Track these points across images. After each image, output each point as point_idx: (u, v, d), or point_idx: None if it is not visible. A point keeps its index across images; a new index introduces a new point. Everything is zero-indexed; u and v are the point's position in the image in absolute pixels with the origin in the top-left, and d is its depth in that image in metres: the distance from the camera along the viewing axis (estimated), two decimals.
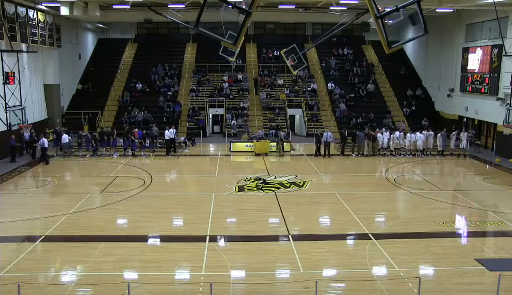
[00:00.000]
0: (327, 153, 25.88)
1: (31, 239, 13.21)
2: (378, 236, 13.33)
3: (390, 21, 24.45)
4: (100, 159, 24.85)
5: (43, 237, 13.25)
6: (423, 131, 26.43)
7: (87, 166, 23.43)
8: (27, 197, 18.00)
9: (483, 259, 11.82)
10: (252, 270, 11.22)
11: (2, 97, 20.39)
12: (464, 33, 30.30)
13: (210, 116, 34.91)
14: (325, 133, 26.30)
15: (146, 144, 26.42)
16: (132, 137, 25.93)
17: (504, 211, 16.10)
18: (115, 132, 26.48)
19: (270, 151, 26.64)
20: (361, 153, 26.21)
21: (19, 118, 21.02)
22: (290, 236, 13.45)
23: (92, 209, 15.97)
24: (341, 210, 16.10)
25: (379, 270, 11.21)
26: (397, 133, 26.43)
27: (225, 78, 36.35)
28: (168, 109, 33.02)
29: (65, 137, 24.94)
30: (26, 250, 12.27)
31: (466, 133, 26.18)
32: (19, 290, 8.68)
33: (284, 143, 26.99)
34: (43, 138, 23.34)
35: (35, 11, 26.17)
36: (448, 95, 32.22)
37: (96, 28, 39.25)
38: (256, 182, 19.97)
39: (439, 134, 26.07)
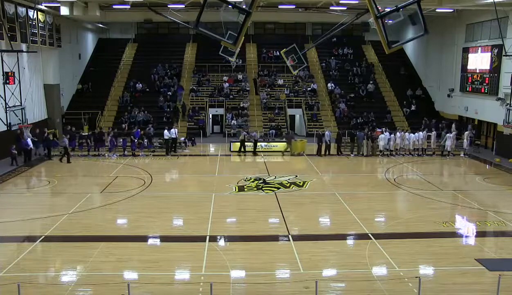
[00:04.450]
0: (327, 152, 25.92)
1: (31, 239, 13.21)
2: (378, 236, 13.33)
3: (390, 21, 24.46)
4: (100, 159, 24.86)
5: (43, 237, 13.25)
6: (420, 132, 26.46)
7: (87, 166, 23.43)
8: (27, 197, 18.00)
9: (483, 259, 11.82)
10: (252, 270, 11.22)
11: (2, 97, 20.37)
12: (464, 33, 30.30)
13: (210, 116, 34.91)
14: (326, 133, 26.42)
15: (145, 144, 26.45)
16: (131, 137, 25.96)
17: (504, 211, 16.09)
18: (113, 133, 26.55)
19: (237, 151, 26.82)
20: (360, 153, 26.22)
21: (19, 118, 20.99)
22: (290, 236, 13.45)
23: (92, 209, 15.97)
24: (341, 210, 16.10)
25: (379, 270, 11.21)
26: (397, 133, 26.45)
27: (225, 78, 36.35)
28: (168, 109, 33.03)
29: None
30: (26, 250, 12.27)
31: (454, 133, 26.29)
32: (19, 290, 8.67)
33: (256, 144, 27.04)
34: (28, 139, 23.22)
35: (35, 11, 26.15)
36: (448, 95, 32.21)
37: (96, 28, 39.24)
38: (256, 182, 19.97)
39: (449, 135, 26.03)
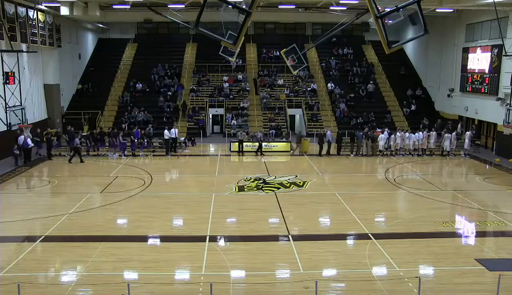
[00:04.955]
0: (328, 152, 25.96)
1: (31, 239, 13.21)
2: (378, 236, 13.33)
3: (390, 21, 24.45)
4: (100, 159, 24.86)
5: (43, 237, 13.25)
6: (420, 132, 26.46)
7: (87, 166, 23.41)
8: (27, 197, 18.02)
9: (483, 259, 11.82)
10: (252, 270, 11.22)
11: (2, 97, 20.37)
12: (464, 33, 30.30)
13: (210, 116, 34.92)
14: (328, 132, 26.47)
15: (145, 144, 26.48)
16: (131, 137, 25.97)
17: (504, 211, 16.10)
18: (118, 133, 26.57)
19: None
20: (359, 153, 26.22)
21: (19, 118, 20.98)
22: (290, 236, 13.45)
23: (92, 209, 15.97)
24: (341, 210, 16.10)
25: (379, 270, 11.21)
26: (397, 133, 26.45)
27: (225, 78, 36.36)
28: (168, 109, 33.04)
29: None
30: (26, 250, 12.27)
31: (454, 133, 26.42)
32: (19, 290, 8.68)
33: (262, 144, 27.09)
34: (28, 139, 23.18)
35: (35, 11, 26.16)
36: (448, 95, 32.22)
37: (96, 28, 39.24)
38: (256, 182, 19.97)
39: (447, 135, 26.02)
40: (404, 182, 20.41)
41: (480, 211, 16.14)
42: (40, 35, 27.15)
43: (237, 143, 26.90)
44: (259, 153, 26.51)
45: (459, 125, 29.26)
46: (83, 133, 27.33)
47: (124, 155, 25.41)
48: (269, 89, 35.85)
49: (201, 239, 13.20)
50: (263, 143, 27.18)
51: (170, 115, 32.37)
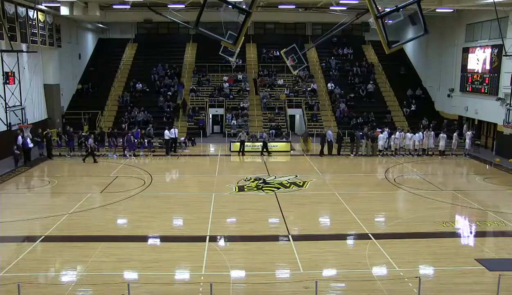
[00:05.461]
0: (330, 152, 25.97)
1: (31, 239, 13.21)
2: (378, 236, 13.32)
3: (390, 21, 24.46)
4: (100, 159, 24.85)
5: (43, 237, 13.25)
6: (420, 132, 26.44)
7: (87, 166, 23.41)
8: (27, 197, 18.01)
9: (483, 259, 11.81)
10: (252, 270, 11.22)
11: (2, 97, 20.38)
12: (464, 33, 30.30)
13: (210, 116, 34.92)
14: (328, 132, 26.46)
15: (145, 144, 26.48)
16: (132, 137, 25.97)
17: (504, 211, 16.10)
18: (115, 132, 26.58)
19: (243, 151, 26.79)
20: (359, 152, 26.22)
21: (19, 118, 20.99)
22: (290, 236, 13.45)
23: (92, 209, 15.97)
24: (341, 210, 16.10)
25: (379, 270, 11.21)
26: (397, 133, 26.44)
27: (225, 78, 36.36)
28: (168, 109, 33.05)
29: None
30: (26, 250, 12.27)
31: (455, 133, 26.57)
32: (19, 290, 8.68)
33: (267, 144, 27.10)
34: (28, 139, 23.11)
35: (35, 11, 26.16)
36: (448, 95, 32.23)
37: (96, 28, 39.24)
38: (256, 182, 19.97)
39: (442, 135, 26.01)
40: (404, 182, 20.41)
41: (480, 211, 16.14)
42: (40, 35, 27.15)
43: (237, 143, 26.90)
44: (266, 153, 26.48)
45: (464, 126, 29.23)
46: (83, 134, 27.32)
47: (125, 155, 25.41)
48: (269, 89, 35.85)
49: (201, 239, 13.20)
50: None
51: (170, 115, 32.37)
